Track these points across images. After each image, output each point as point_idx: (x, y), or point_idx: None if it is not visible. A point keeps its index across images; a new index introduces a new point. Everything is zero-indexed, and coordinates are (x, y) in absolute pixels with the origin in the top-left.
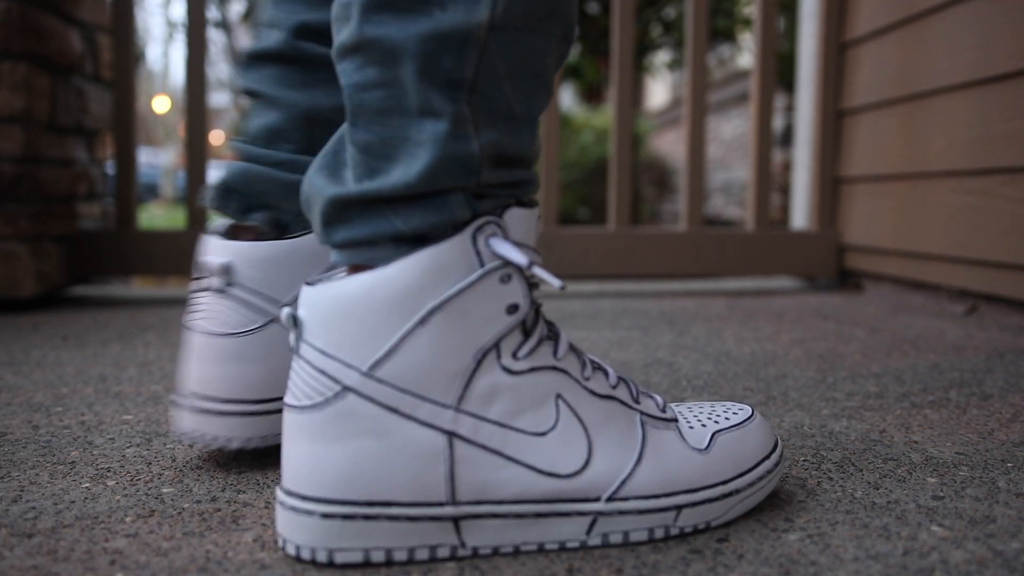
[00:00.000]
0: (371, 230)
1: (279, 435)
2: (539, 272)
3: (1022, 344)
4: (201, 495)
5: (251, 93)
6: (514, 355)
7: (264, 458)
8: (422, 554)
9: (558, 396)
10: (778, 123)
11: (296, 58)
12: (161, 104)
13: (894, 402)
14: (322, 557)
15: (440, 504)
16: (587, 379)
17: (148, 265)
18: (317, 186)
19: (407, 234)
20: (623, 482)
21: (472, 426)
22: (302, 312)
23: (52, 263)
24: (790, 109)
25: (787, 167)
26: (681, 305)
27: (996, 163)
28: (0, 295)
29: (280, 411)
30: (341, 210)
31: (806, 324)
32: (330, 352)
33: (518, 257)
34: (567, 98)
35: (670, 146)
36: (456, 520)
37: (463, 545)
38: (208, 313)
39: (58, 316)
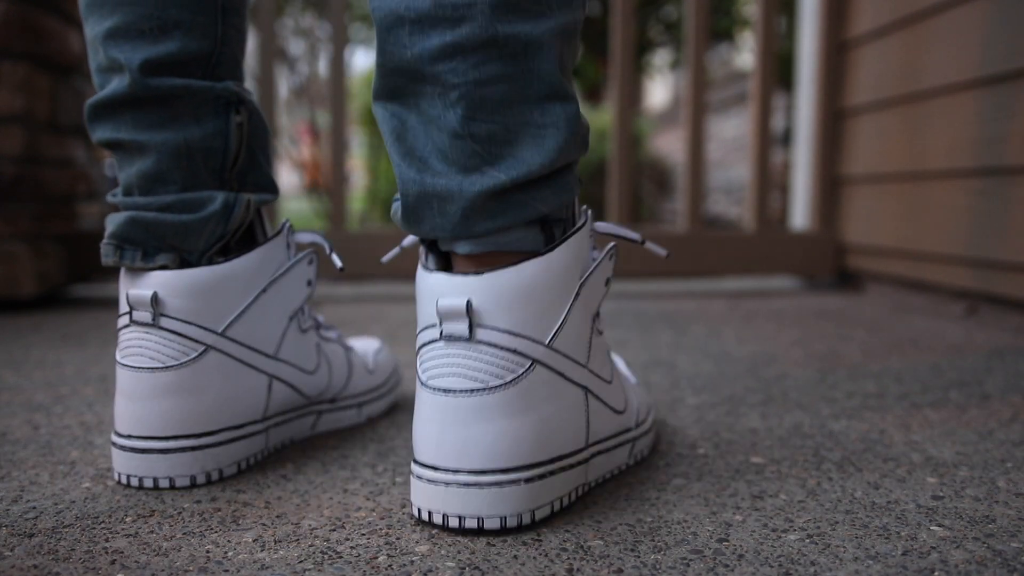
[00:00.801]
0: (513, 216)
1: (230, 465)
2: (651, 246)
3: (1022, 344)
4: (201, 495)
5: (111, 144)
6: (598, 316)
7: (264, 458)
8: (573, 496)
9: (608, 351)
10: (778, 123)
11: (150, 97)
12: None
13: (894, 402)
14: (527, 519)
15: (582, 449)
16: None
17: None
18: (452, 184)
19: (541, 215)
20: (637, 411)
21: (594, 381)
22: (474, 300)
23: (52, 263)
24: (790, 109)
25: (787, 167)
26: (681, 305)
27: (996, 163)
28: (0, 295)
29: (226, 442)
30: (489, 201)
31: (806, 324)
32: (518, 331)
33: (632, 234)
34: None
35: (670, 146)
36: (587, 460)
37: (587, 483)
38: (139, 348)
39: (58, 316)
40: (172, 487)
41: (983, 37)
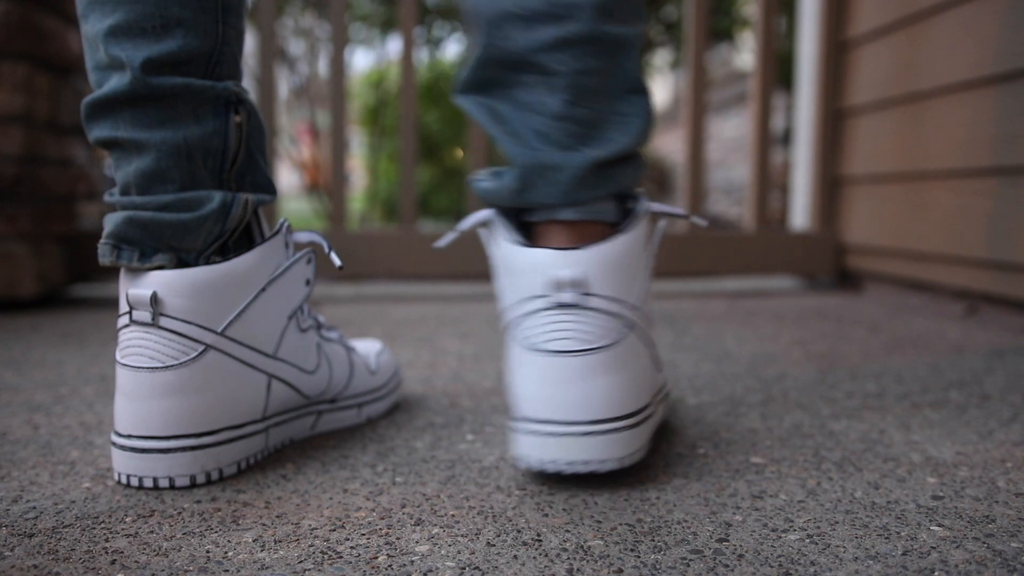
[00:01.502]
0: (607, 188)
1: (230, 465)
2: (696, 219)
3: (1022, 344)
4: (201, 495)
5: (109, 143)
6: None
7: (264, 458)
8: (650, 444)
9: None
10: (778, 123)
11: (151, 95)
12: None
13: (894, 402)
14: (628, 463)
15: (650, 403)
16: None
17: None
18: (557, 157)
19: (621, 190)
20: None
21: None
22: (581, 273)
23: (52, 263)
24: (790, 109)
25: (787, 167)
26: (681, 305)
27: (996, 163)
28: (0, 295)
29: (226, 442)
30: (590, 173)
31: (806, 324)
32: (619, 297)
33: (680, 210)
34: None
35: (670, 146)
36: (654, 411)
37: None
38: (138, 348)
39: (58, 316)
40: (172, 487)
41: (983, 37)
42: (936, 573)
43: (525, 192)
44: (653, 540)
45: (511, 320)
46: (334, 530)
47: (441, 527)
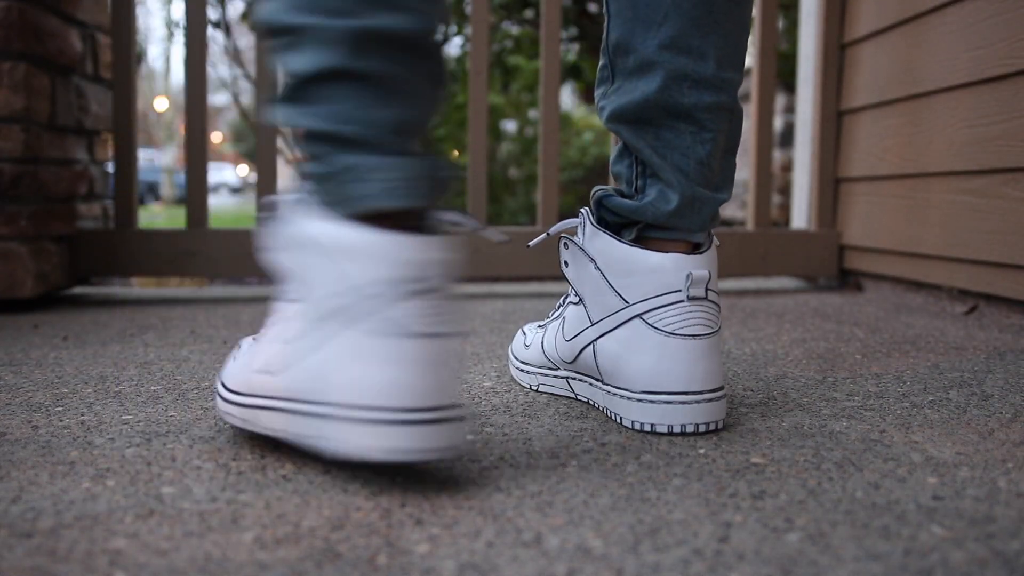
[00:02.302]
0: (717, 220)
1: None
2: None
3: (1022, 344)
4: (201, 495)
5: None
6: None
7: (264, 458)
8: None
9: None
10: (778, 123)
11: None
12: (161, 104)
13: (894, 402)
14: (721, 424)
15: None
16: None
17: (148, 265)
18: (707, 194)
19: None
20: None
21: None
22: (707, 272)
23: (52, 263)
24: (790, 109)
25: (787, 167)
26: None
27: (996, 163)
28: (0, 295)
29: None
30: (717, 209)
31: (806, 324)
32: (718, 291)
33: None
34: (567, 98)
35: None
36: None
37: None
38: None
39: (58, 316)
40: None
41: (983, 37)
42: (936, 573)
43: (676, 216)
44: (653, 540)
45: (641, 313)
46: (334, 530)
47: (441, 527)
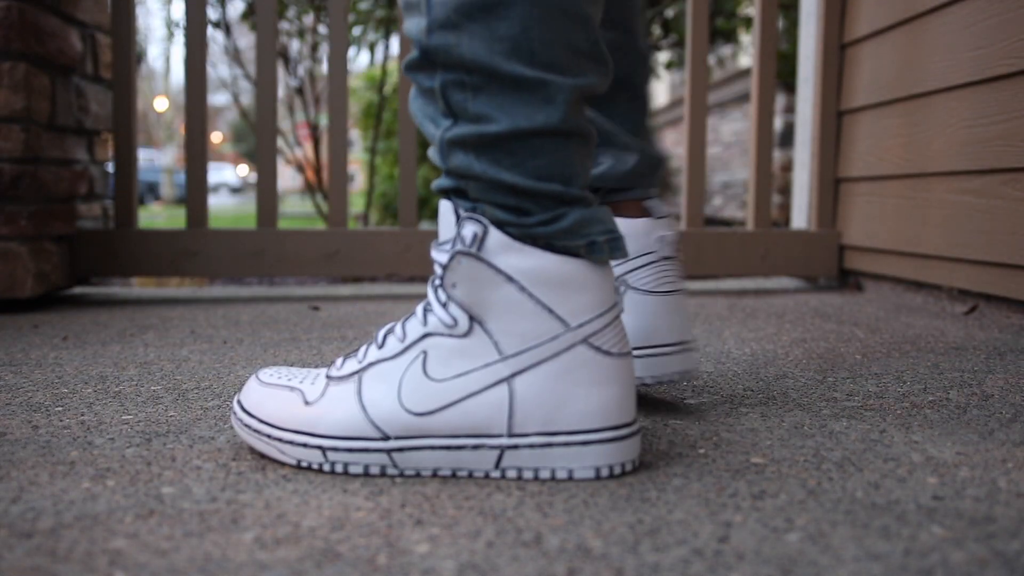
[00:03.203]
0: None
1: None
2: None
3: (1022, 344)
4: (201, 495)
5: None
6: None
7: (264, 458)
8: None
9: None
10: (778, 123)
11: None
12: (161, 104)
13: (894, 402)
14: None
15: None
16: None
17: (148, 265)
18: (660, 154)
19: None
20: None
21: None
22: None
23: (52, 263)
24: (790, 109)
25: (787, 167)
26: None
27: (996, 163)
28: (0, 295)
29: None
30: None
31: (806, 324)
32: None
33: None
34: None
35: (670, 146)
36: None
37: None
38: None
39: (58, 316)
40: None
41: (984, 37)
42: (936, 573)
43: (643, 177)
44: (653, 540)
45: (621, 275)
46: (334, 530)
47: (441, 527)
